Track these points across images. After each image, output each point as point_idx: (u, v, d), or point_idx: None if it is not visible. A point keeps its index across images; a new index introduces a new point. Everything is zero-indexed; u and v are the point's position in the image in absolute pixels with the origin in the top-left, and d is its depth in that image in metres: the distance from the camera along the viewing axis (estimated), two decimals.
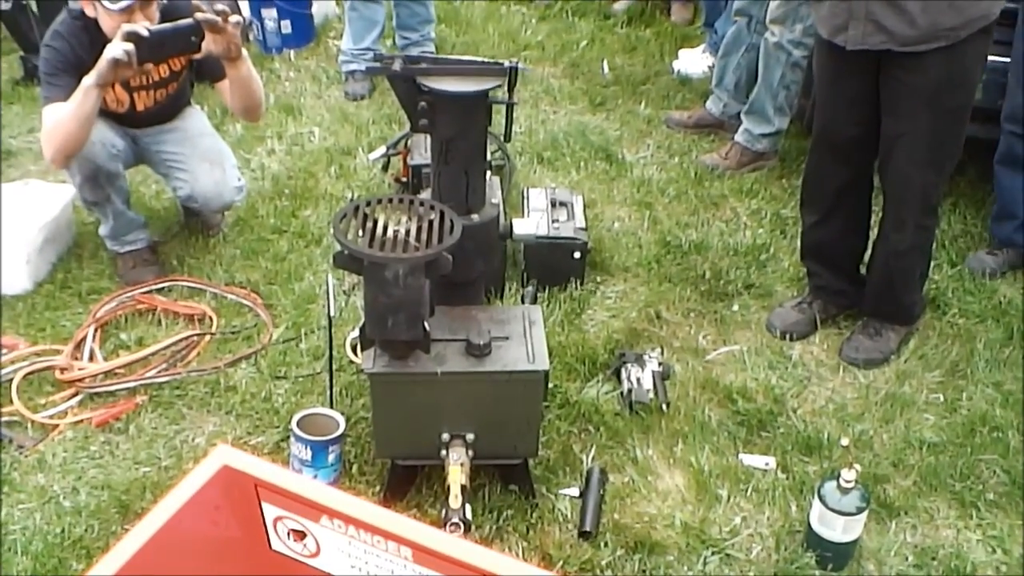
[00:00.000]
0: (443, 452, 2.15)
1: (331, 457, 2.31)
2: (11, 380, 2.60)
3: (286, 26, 4.70)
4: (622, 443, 2.50)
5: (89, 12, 2.70)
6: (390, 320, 2.00)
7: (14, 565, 2.13)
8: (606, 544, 2.21)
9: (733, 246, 3.32)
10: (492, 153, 3.21)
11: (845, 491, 2.11)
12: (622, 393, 2.63)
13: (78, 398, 2.60)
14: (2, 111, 4.08)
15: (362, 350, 2.18)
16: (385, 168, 3.65)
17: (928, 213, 2.70)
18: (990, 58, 2.60)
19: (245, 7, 4.63)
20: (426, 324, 2.05)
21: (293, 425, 2.31)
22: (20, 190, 3.23)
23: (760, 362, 2.81)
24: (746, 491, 2.37)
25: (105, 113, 2.83)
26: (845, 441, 2.18)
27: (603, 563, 2.17)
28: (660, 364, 2.70)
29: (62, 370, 2.63)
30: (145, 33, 2.52)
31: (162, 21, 2.69)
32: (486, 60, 2.23)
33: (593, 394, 2.63)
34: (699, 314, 3.01)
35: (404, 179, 3.34)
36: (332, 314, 2.44)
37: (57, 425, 2.51)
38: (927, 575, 2.19)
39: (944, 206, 3.44)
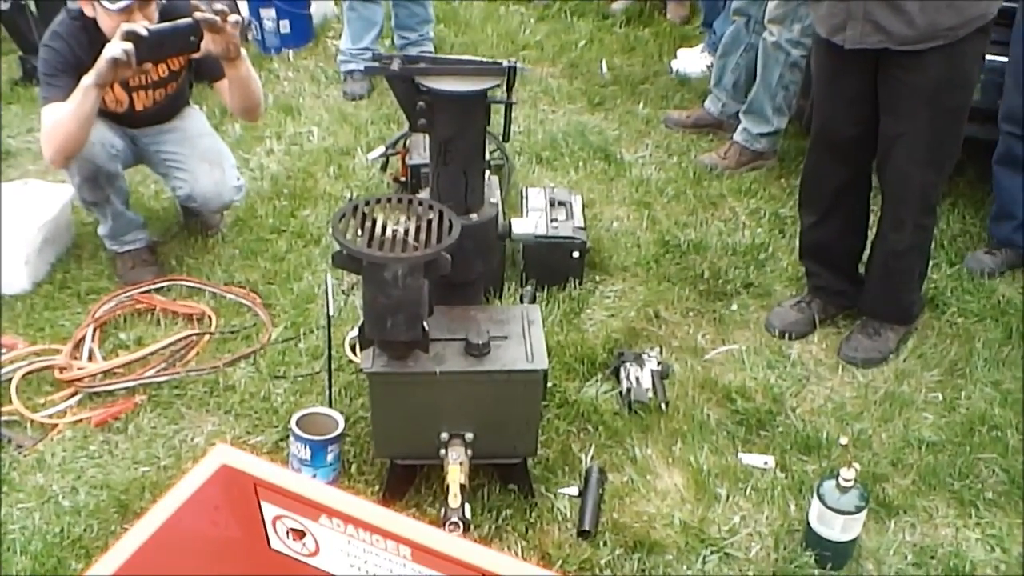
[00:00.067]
0: (442, 451, 2.15)
1: (330, 456, 2.31)
2: (10, 380, 2.60)
3: (285, 26, 4.70)
4: (621, 442, 2.50)
5: (88, 12, 2.70)
6: (389, 320, 2.00)
7: (13, 565, 2.13)
8: (605, 543, 2.21)
9: (732, 246, 3.32)
10: (491, 153, 3.21)
11: (844, 490, 2.12)
12: (621, 392, 2.63)
13: (77, 398, 2.60)
14: (1, 111, 4.08)
15: (361, 350, 2.18)
16: (384, 168, 3.66)
17: (927, 213, 2.70)
18: (989, 58, 2.61)
19: (244, 7, 4.63)
20: (425, 324, 2.05)
21: (292, 424, 2.31)
22: (19, 190, 3.23)
23: (759, 361, 2.81)
24: (745, 490, 2.37)
25: (104, 113, 2.83)
26: (844, 440, 2.18)
27: (602, 562, 2.17)
28: (659, 363, 2.70)
29: (61, 370, 2.63)
30: (144, 33, 2.52)
31: (161, 21, 2.69)
32: (485, 60, 2.23)
33: (592, 393, 2.63)
34: (698, 313, 3.01)
35: (403, 179, 3.34)
36: (331, 314, 2.44)
37: (56, 425, 2.51)
38: (926, 574, 2.20)
39: (943, 206, 3.45)
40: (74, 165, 2.80)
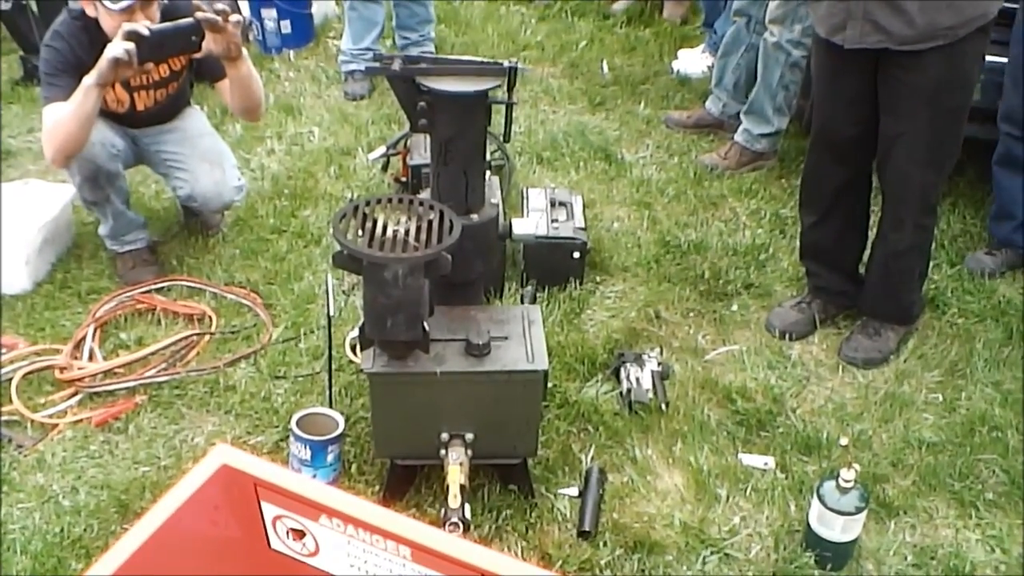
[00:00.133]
0: (442, 452, 2.15)
1: (330, 457, 2.31)
2: (11, 380, 2.60)
3: (286, 26, 4.70)
4: (621, 443, 2.50)
5: (90, 12, 2.70)
6: (389, 320, 2.00)
7: (13, 564, 2.13)
8: (605, 544, 2.21)
9: (732, 246, 3.32)
10: (491, 153, 3.21)
11: (844, 491, 2.11)
12: (621, 393, 2.63)
13: (77, 398, 2.60)
14: (2, 111, 4.09)
15: (361, 350, 2.18)
16: (385, 168, 3.66)
17: (927, 212, 2.70)
18: (989, 58, 2.61)
19: (245, 7, 4.63)
20: (425, 324, 2.05)
21: (292, 425, 2.31)
22: (20, 190, 3.23)
23: (759, 362, 2.81)
24: (745, 491, 2.37)
25: (105, 113, 2.83)
26: (844, 441, 2.18)
27: (602, 563, 2.17)
28: (659, 364, 2.70)
29: (61, 370, 2.63)
30: (146, 32, 2.52)
31: (162, 21, 2.69)
32: (485, 60, 2.23)
33: (592, 394, 2.63)
34: (698, 314, 3.01)
35: (403, 179, 3.34)
36: (331, 314, 2.44)
37: (56, 425, 2.51)
38: (926, 575, 2.20)
39: (943, 206, 3.45)
40: (75, 165, 2.80)
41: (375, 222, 2.01)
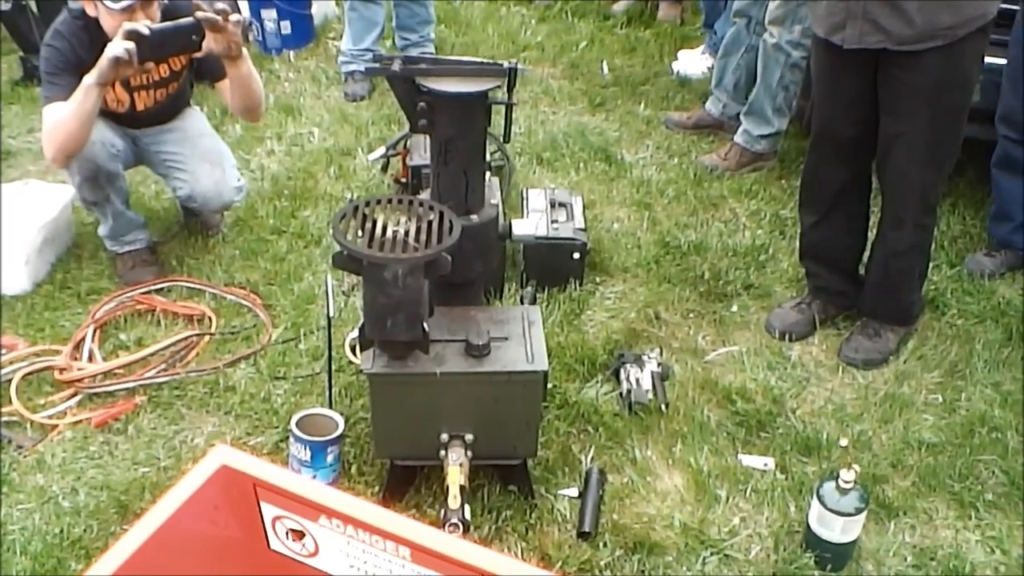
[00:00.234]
0: (442, 452, 2.15)
1: (330, 457, 2.31)
2: (10, 380, 2.60)
3: (286, 27, 4.71)
4: (621, 444, 2.50)
5: (90, 11, 2.70)
6: (389, 320, 2.00)
7: (13, 565, 2.13)
8: (605, 544, 2.21)
9: (732, 247, 3.32)
10: (491, 154, 3.21)
11: (844, 492, 2.11)
12: (621, 394, 2.63)
13: (77, 398, 2.60)
14: (2, 111, 4.08)
15: (361, 350, 2.18)
16: (384, 169, 3.66)
17: (927, 212, 2.70)
18: (989, 59, 2.61)
19: (245, 8, 4.63)
20: (425, 324, 2.05)
21: (292, 425, 2.31)
22: (19, 190, 3.23)
23: (759, 363, 2.81)
24: (745, 491, 2.37)
25: (105, 113, 2.84)
26: (844, 442, 2.18)
27: (602, 563, 2.17)
28: (659, 365, 2.70)
29: (61, 370, 2.63)
30: (146, 31, 2.52)
31: (163, 20, 2.69)
32: (485, 61, 2.23)
33: (592, 395, 2.63)
34: (698, 315, 3.01)
35: (403, 180, 3.34)
36: (331, 314, 2.44)
37: (56, 425, 2.51)
38: (926, 575, 2.19)
39: (943, 207, 3.45)
40: (75, 164, 2.80)
41: (375, 222, 2.01)
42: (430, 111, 2.15)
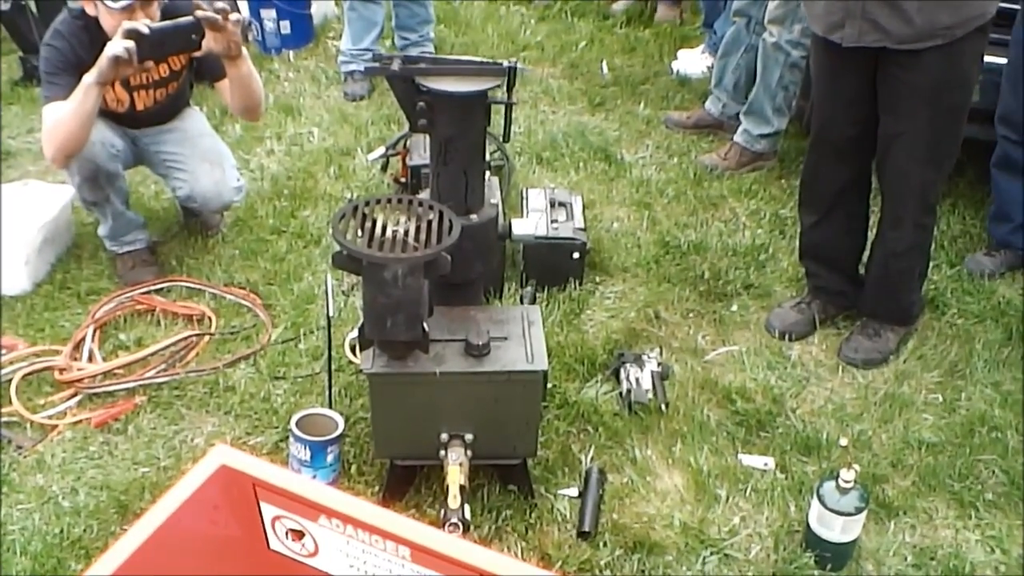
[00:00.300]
0: (442, 452, 2.15)
1: (330, 457, 2.31)
2: (10, 380, 2.60)
3: (285, 26, 4.71)
4: (621, 443, 2.50)
5: (90, 11, 2.70)
6: (389, 320, 2.00)
7: (13, 565, 2.13)
8: (605, 544, 2.21)
9: (732, 246, 3.32)
10: (491, 153, 3.21)
11: (844, 491, 2.11)
12: (621, 393, 2.63)
13: (77, 399, 2.60)
14: (2, 111, 4.08)
15: (361, 350, 2.18)
16: (384, 168, 3.66)
17: (926, 212, 2.70)
18: (989, 59, 2.61)
19: (244, 8, 4.63)
20: (425, 324, 2.05)
21: (292, 425, 2.31)
22: (19, 190, 3.23)
23: (759, 362, 2.81)
24: (745, 491, 2.37)
25: (105, 113, 2.84)
26: (844, 441, 2.18)
27: (602, 563, 2.17)
28: (659, 364, 2.70)
29: (61, 371, 2.63)
30: (146, 31, 2.52)
31: (163, 19, 2.69)
32: (485, 60, 2.23)
33: (592, 394, 2.63)
34: (698, 314, 3.01)
35: (403, 179, 3.34)
36: (331, 314, 2.44)
37: (56, 425, 2.51)
38: (925, 575, 2.20)
39: (943, 207, 3.45)
40: (74, 164, 2.80)
41: (375, 222, 2.01)
42: (430, 111, 2.15)
